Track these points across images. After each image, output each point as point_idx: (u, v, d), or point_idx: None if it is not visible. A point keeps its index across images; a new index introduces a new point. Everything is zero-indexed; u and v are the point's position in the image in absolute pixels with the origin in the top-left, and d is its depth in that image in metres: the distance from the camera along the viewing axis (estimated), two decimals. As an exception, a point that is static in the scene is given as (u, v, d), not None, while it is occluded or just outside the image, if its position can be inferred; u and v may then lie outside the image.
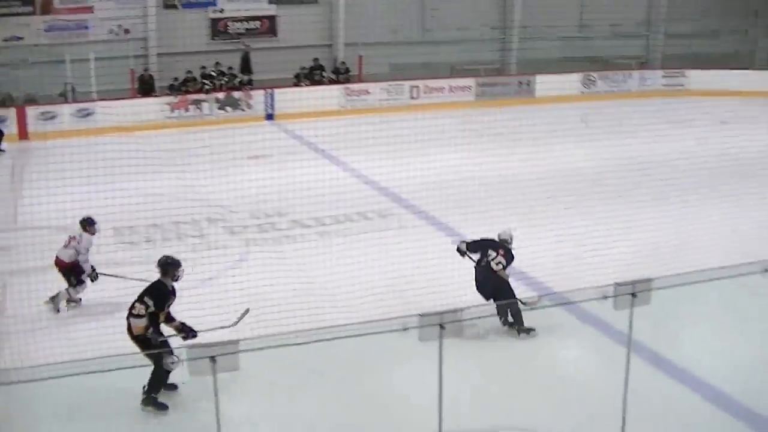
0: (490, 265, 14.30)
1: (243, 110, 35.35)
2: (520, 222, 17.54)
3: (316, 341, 9.76)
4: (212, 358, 8.30)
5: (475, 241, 14.72)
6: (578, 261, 15.91)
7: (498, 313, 14.17)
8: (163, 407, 12.02)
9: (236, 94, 35.68)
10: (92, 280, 15.75)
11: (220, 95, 35.61)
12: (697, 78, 39.46)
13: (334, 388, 12.65)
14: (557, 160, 20.56)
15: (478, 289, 14.33)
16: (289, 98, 35.27)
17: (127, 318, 12.08)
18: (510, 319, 14.16)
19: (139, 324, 11.88)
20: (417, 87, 37.71)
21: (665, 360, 13.41)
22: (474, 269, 14.51)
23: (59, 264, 15.68)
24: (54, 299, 15.58)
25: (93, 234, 15.93)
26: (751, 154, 22.93)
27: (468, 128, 19.70)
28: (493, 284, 14.21)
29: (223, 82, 36.36)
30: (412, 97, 37.53)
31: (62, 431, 11.87)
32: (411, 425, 11.21)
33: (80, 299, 15.89)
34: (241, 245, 18.58)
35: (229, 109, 35.26)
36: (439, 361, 8.74)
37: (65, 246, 15.78)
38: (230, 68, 36.77)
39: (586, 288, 10.21)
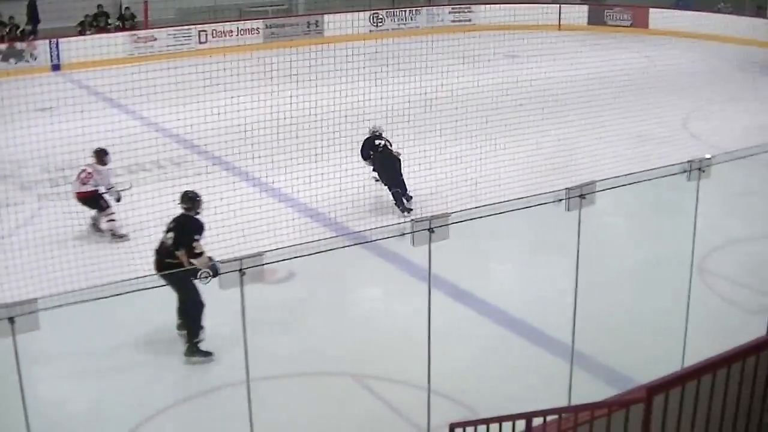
0: (388, 148, 17.61)
1: (27, 62, 34.36)
2: (316, 164, 17.70)
3: (114, 295, 9.73)
4: (11, 319, 8.19)
5: (362, 151, 17.99)
6: (375, 200, 16.17)
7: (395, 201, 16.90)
8: (208, 354, 12.23)
9: (19, 45, 34.66)
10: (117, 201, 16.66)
11: (2, 46, 34.55)
12: (483, 13, 40.20)
13: (132, 342, 12.58)
14: (348, 99, 20.72)
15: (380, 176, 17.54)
16: (74, 47, 34.45)
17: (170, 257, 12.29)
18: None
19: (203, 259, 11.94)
20: (205, 31, 37.31)
21: (465, 293, 13.85)
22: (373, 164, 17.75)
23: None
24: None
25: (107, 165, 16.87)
26: (539, 86, 23.63)
27: (257, 71, 19.61)
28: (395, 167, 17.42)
29: (5, 33, 35.27)
30: (201, 42, 37.13)
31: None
32: (221, 373, 11.29)
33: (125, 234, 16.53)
34: (34, 201, 18.23)
35: (12, 60, 34.24)
36: (242, 307, 8.83)
37: (83, 182, 16.52)
38: (11, 18, 35.65)
39: (385, 226, 10.42)
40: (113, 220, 16.57)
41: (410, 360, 10.78)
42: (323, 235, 15.25)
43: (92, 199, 16.62)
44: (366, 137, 18.31)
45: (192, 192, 13.20)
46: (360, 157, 18.01)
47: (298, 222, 16.18)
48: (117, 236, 16.44)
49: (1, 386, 9.48)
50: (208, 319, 12.29)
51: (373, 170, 17.78)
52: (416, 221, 9.19)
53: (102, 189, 16.62)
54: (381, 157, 17.77)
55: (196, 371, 11.91)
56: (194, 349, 12.18)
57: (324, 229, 16.09)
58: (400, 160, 17.75)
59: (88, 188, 16.53)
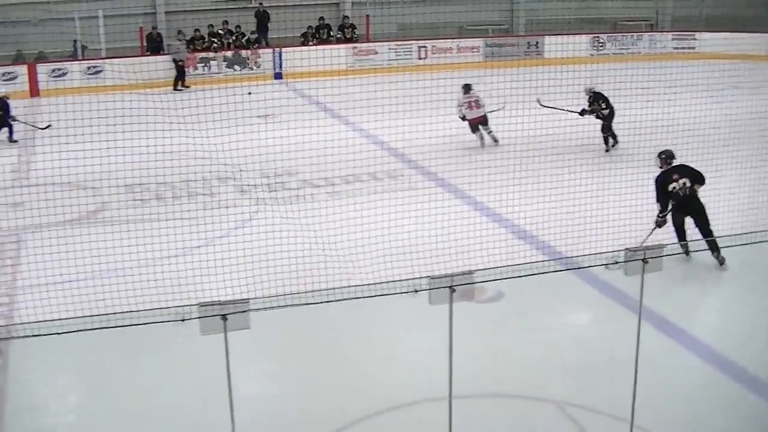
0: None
1: (251, 69, 35.35)
2: (530, 184, 17.61)
3: (325, 302, 9.83)
4: (224, 317, 8.38)
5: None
6: (589, 225, 15.94)
7: None
8: None
9: (244, 53, 35.66)
10: None
11: (229, 54, 35.59)
12: (707, 41, 39.29)
13: (344, 350, 12.76)
14: (564, 122, 20.58)
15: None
16: (296, 57, 35.23)
17: None
18: None
19: None
20: (425, 47, 37.64)
21: (673, 326, 13.50)
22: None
23: None
24: None
25: None
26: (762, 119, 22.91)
27: (476, 90, 19.70)
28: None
29: (231, 40, 36.32)
30: (420, 58, 37.49)
31: (73, 385, 12.09)
32: (421, 388, 11.30)
33: None
34: (251, 204, 18.66)
35: (237, 67, 35.27)
36: (449, 324, 8.79)
37: None
38: (238, 27, 36.69)
39: (598, 253, 10.27)
40: None
41: (615, 391, 10.58)
42: (534, 258, 15.10)
43: None
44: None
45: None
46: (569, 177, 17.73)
47: (509, 242, 16.07)
48: None
49: (210, 381, 9.74)
50: (415, 336, 12.35)
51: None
52: (630, 251, 9.03)
53: None
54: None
55: (395, 384, 11.92)
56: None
57: (535, 252, 15.94)
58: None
59: None
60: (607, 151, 23.01)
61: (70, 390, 12.30)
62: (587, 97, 23.35)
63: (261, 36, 37.30)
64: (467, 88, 23.73)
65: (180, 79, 33.75)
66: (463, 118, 23.29)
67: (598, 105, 23.26)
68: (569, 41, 36.13)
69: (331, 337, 12.82)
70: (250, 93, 20.53)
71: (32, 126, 22.13)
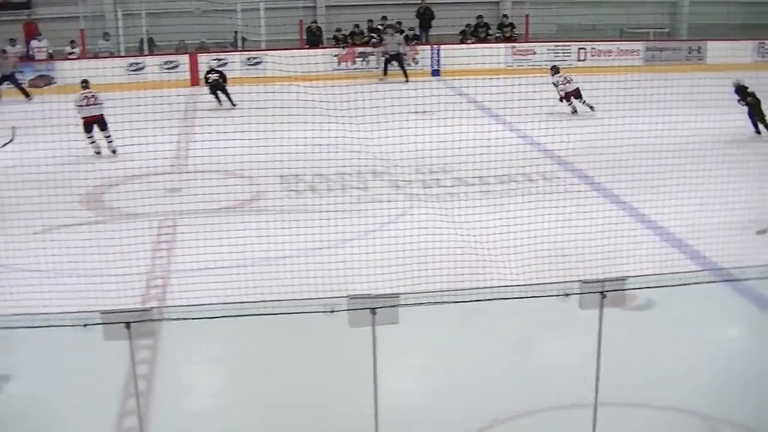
0: None
1: (409, 65, 35.41)
2: (688, 191, 17.27)
3: (474, 300, 9.78)
4: (373, 310, 8.41)
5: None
6: (746, 235, 15.57)
7: None
8: None
9: (403, 49, 35.77)
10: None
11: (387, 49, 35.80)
12: None
13: (490, 350, 12.69)
14: (728, 130, 20.22)
15: None
16: (454, 55, 35.24)
17: None
18: None
19: None
20: (584, 49, 37.22)
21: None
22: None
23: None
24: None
25: None
26: None
27: (636, 93, 19.41)
28: None
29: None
30: (579, 59, 37.06)
31: (219, 370, 12.29)
32: (565, 393, 11.19)
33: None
34: (405, 200, 18.71)
35: (394, 63, 35.37)
36: (598, 329, 8.68)
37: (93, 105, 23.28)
38: (399, 22, 36.82)
39: (753, 266, 10.03)
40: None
41: (765, 408, 10.31)
42: (687, 266, 14.81)
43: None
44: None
45: None
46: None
47: (662, 250, 15.80)
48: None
49: (355, 374, 9.79)
50: (562, 340, 12.24)
51: None
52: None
53: None
54: None
55: (539, 387, 11.79)
56: None
57: (688, 261, 15.63)
58: None
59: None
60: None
61: (215, 374, 12.53)
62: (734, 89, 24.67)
63: (422, 33, 37.40)
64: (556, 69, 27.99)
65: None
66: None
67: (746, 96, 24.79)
68: (732, 47, 35.34)
69: (477, 336, 12.76)
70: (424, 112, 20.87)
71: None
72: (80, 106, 23.50)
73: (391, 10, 37.26)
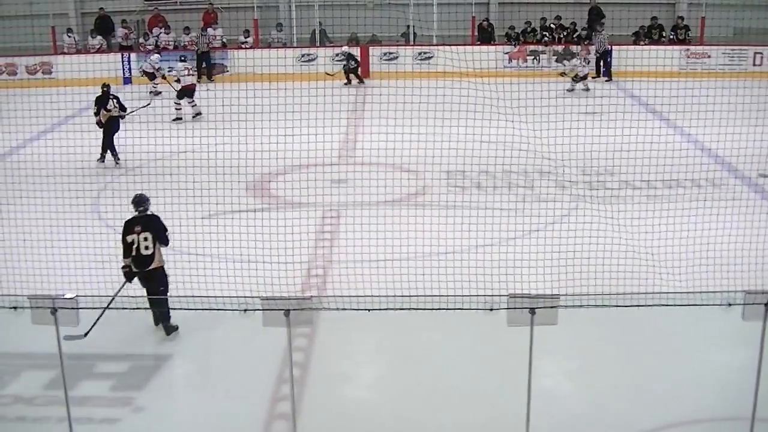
0: None
1: (582, 65, 35.14)
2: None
3: (634, 306, 9.71)
4: (532, 310, 8.43)
5: None
6: None
7: None
8: None
9: (574, 48, 35.48)
10: None
11: (559, 48, 35.54)
12: None
13: (648, 356, 12.52)
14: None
15: None
16: (627, 56, 34.82)
17: None
18: None
19: None
20: (761, 53, 36.29)
21: None
22: None
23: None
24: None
25: None
26: None
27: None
28: None
29: (562, 35, 36.24)
30: (755, 64, 36.16)
31: (375, 360, 12.43)
32: (724, 404, 11.00)
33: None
34: (570, 200, 18.59)
35: (566, 62, 35.14)
36: (761, 341, 8.53)
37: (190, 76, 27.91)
38: (573, 23, 36.54)
39: None
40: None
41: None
42: None
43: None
44: None
45: None
46: None
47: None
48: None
49: (511, 372, 9.81)
50: (723, 347, 12.04)
51: None
52: None
53: None
54: None
55: (701, 396, 11.59)
56: None
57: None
58: None
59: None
60: None
61: (370, 365, 12.66)
62: None
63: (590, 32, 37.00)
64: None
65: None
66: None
67: None
68: None
69: (635, 341, 12.65)
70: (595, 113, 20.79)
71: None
72: (183, 76, 28.00)
73: (566, 9, 36.98)
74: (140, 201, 13.01)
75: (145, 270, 12.68)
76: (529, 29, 35.95)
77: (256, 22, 36.11)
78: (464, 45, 33.49)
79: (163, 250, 12.92)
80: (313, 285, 14.89)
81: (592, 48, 34.85)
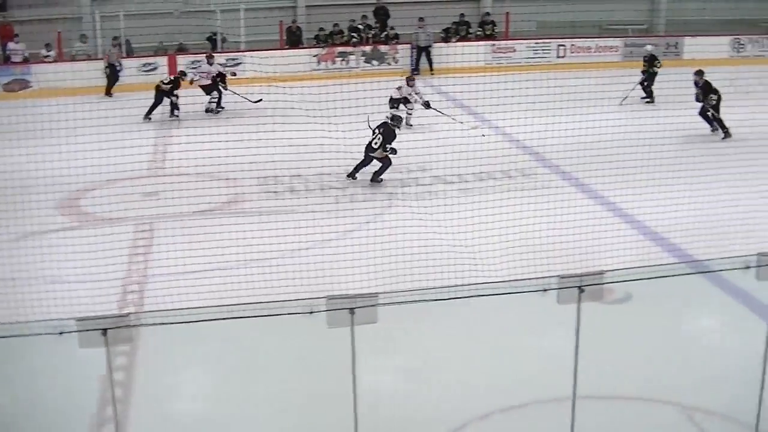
0: None
1: (389, 64, 35.42)
2: (663, 184, 17.36)
3: (452, 298, 9.79)
4: (351, 310, 8.40)
5: None
6: (721, 228, 15.62)
7: None
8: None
9: (383, 48, 35.76)
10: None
11: (367, 49, 35.75)
12: None
13: (470, 347, 12.69)
14: (702, 124, 20.35)
15: None
16: (434, 53, 35.31)
17: None
18: None
19: None
20: (564, 46, 37.29)
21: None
22: None
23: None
24: None
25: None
26: None
27: (613, 89, 19.47)
28: None
29: (370, 35, 36.46)
30: (559, 56, 37.13)
31: (199, 374, 12.26)
32: (544, 387, 11.20)
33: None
34: (383, 199, 18.69)
35: (375, 62, 35.39)
36: (576, 324, 8.69)
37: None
38: (377, 22, 36.80)
39: (730, 257, 10.07)
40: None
41: (741, 397, 10.33)
42: (664, 260, 14.87)
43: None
44: None
45: None
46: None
47: (640, 244, 15.86)
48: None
49: (334, 374, 9.78)
50: (542, 335, 12.28)
51: None
52: (763, 255, 8.82)
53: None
54: None
55: (518, 383, 11.81)
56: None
57: (665, 254, 15.68)
58: None
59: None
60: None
61: (195, 379, 12.48)
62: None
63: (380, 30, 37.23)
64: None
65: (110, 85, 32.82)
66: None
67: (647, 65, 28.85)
68: (709, 42, 35.38)
69: (456, 334, 12.76)
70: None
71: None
72: None
73: (370, 10, 37.20)
74: None
75: None
76: (337, 31, 36.04)
77: (59, 35, 35.15)
78: (273, 49, 33.41)
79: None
80: (130, 301, 14.60)
81: (400, 47, 35.25)
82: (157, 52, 33.93)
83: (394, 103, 24.07)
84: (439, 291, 10.20)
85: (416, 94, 24.78)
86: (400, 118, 21.07)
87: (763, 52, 38.41)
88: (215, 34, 35.47)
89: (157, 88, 27.12)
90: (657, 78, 28.71)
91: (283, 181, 19.77)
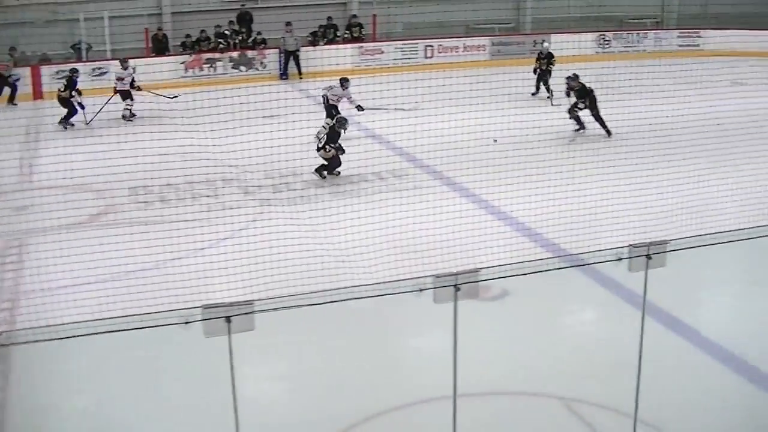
0: None
1: (257, 69, 35.26)
2: (535, 181, 17.59)
3: (329, 302, 9.78)
4: (227, 319, 8.33)
5: None
6: (593, 222, 15.89)
7: None
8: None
9: (250, 54, 35.59)
10: None
11: (235, 54, 35.53)
12: (712, 38, 39.18)
13: (349, 350, 12.71)
14: (567, 120, 20.74)
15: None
16: (303, 57, 35.27)
17: None
18: None
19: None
20: (431, 47, 37.54)
21: (679, 322, 13.44)
22: None
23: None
24: None
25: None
26: (766, 115, 22.87)
27: (481, 88, 19.66)
28: None
29: (237, 41, 36.24)
30: (427, 57, 37.37)
31: (75, 389, 12.04)
32: (425, 387, 11.26)
33: None
34: (256, 205, 18.61)
35: (243, 68, 35.19)
36: (454, 322, 8.74)
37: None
38: (242, 28, 36.61)
39: (601, 249, 10.26)
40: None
41: (619, 386, 10.52)
42: (538, 255, 15.05)
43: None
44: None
45: None
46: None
47: (515, 240, 16.04)
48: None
49: (214, 384, 9.69)
50: (420, 335, 12.34)
51: None
52: (634, 247, 8.97)
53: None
54: None
55: (404, 382, 11.88)
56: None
57: (540, 249, 15.90)
58: None
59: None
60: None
61: (71, 394, 12.25)
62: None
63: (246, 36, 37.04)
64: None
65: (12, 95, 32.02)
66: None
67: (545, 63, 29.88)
68: (575, 39, 35.97)
69: (335, 337, 12.77)
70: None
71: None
72: None
73: (213, 16, 36.95)
74: None
75: None
76: (203, 37, 35.73)
77: None
78: (139, 57, 32.99)
79: None
80: (2, 320, 14.27)
81: (268, 52, 35.16)
82: (17, 63, 33.16)
83: (331, 108, 23.88)
84: (316, 295, 10.19)
85: (350, 97, 24.40)
86: (346, 120, 21.14)
87: (627, 48, 39.21)
88: (80, 42, 34.83)
89: (59, 97, 26.61)
90: (530, 76, 29.66)
91: (153, 191, 19.52)
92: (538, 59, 30.87)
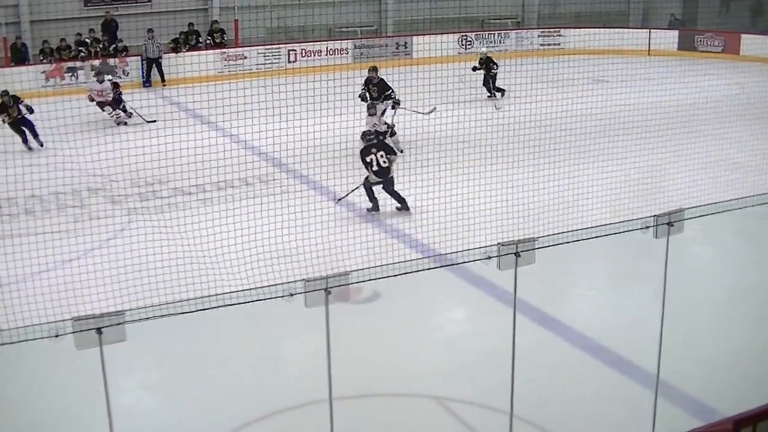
0: None
1: (120, 77, 34.85)
2: (404, 183, 17.79)
3: (200, 310, 9.78)
4: (98, 330, 8.30)
5: None
6: (462, 222, 16.12)
7: None
8: None
9: (112, 61, 35.19)
10: None
11: (96, 62, 35.08)
12: (573, 37, 39.98)
13: (224, 357, 12.73)
14: (436, 120, 20.89)
15: None
16: (165, 64, 35.03)
17: None
18: None
19: None
20: (294, 51, 37.61)
21: (549, 317, 13.74)
22: None
23: None
24: None
25: None
26: (628, 111, 23.43)
27: (345, 91, 19.80)
28: None
29: (98, 49, 35.79)
30: (290, 61, 37.42)
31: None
32: (301, 391, 11.33)
33: None
34: (123, 215, 18.46)
35: (106, 76, 34.80)
36: (326, 326, 8.83)
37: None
38: (104, 35, 36.18)
39: (471, 249, 10.45)
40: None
41: (493, 384, 10.73)
42: (408, 256, 15.24)
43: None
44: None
45: None
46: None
47: (385, 242, 16.18)
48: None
49: (87, 396, 9.63)
50: (293, 339, 12.42)
51: None
52: (503, 245, 9.15)
53: None
54: None
55: (279, 387, 11.94)
56: None
57: (409, 250, 16.09)
58: None
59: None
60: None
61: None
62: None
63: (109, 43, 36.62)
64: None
65: None
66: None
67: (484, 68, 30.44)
68: (437, 41, 36.40)
69: (208, 345, 12.78)
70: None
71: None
72: None
73: (96, 23, 36.51)
74: None
75: None
76: (64, 46, 35.20)
77: None
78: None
79: None
80: None
81: (130, 59, 34.85)
82: None
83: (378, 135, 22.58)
84: (187, 303, 10.19)
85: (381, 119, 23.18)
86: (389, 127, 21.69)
87: (490, 48, 39.78)
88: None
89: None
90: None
91: (17, 203, 19.20)
92: (480, 65, 31.08)
